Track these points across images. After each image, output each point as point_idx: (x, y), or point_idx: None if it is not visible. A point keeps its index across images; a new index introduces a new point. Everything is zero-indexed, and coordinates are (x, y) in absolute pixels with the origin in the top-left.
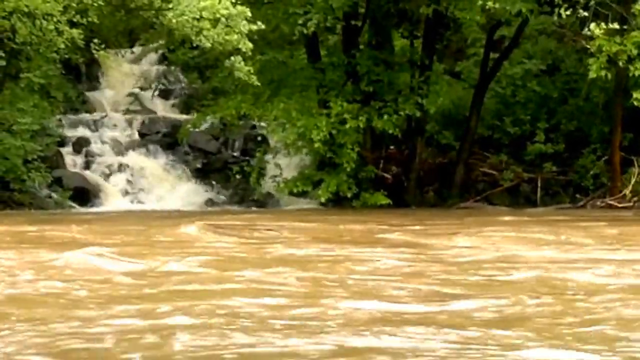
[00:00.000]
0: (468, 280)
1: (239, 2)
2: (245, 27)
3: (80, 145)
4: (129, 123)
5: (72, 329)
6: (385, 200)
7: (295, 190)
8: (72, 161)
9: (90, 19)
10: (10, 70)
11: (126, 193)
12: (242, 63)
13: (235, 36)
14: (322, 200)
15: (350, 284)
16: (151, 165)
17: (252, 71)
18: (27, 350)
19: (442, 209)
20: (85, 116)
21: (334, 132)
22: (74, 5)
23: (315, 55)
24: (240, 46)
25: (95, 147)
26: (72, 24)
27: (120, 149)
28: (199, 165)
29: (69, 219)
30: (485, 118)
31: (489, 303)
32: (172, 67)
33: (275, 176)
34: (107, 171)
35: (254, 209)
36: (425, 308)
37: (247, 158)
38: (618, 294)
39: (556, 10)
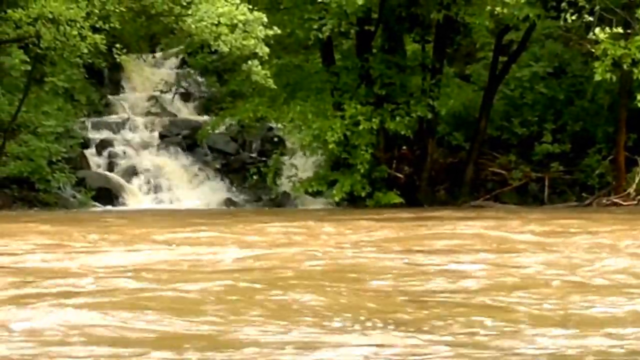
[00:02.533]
0: None
1: (255, 8)
2: (261, 32)
3: (103, 147)
4: (150, 125)
5: None
6: (398, 199)
7: (310, 190)
8: (95, 162)
9: (112, 25)
10: (35, 74)
11: (147, 193)
12: (259, 67)
13: (252, 41)
14: (337, 199)
15: None
16: (172, 166)
17: (268, 75)
18: None
19: (453, 207)
20: (108, 119)
21: (348, 133)
22: (96, 11)
23: (330, 59)
24: (257, 51)
25: (117, 148)
26: (95, 30)
27: (141, 150)
28: (218, 166)
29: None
30: (494, 119)
31: None
32: (192, 71)
33: (292, 176)
34: (129, 172)
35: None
36: None
37: (264, 159)
38: None
39: (562, 15)
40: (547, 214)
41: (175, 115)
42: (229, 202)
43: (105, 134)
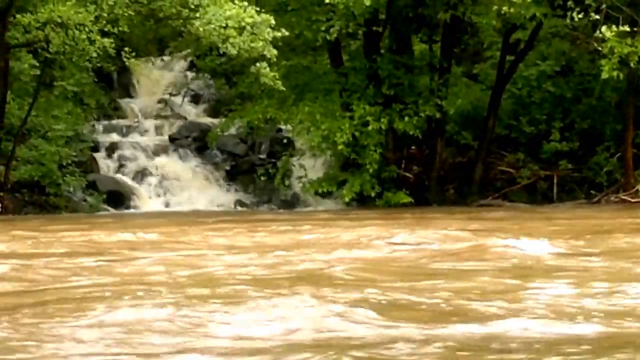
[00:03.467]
0: None
1: (263, 11)
2: (269, 34)
3: (113, 150)
4: (160, 128)
5: None
6: (407, 199)
7: (320, 191)
8: (105, 165)
9: (121, 28)
10: (44, 78)
11: (158, 195)
12: (268, 69)
13: (260, 43)
14: (347, 199)
15: None
16: (182, 168)
17: (277, 76)
18: None
19: (462, 206)
20: (118, 122)
21: (357, 134)
22: (105, 15)
23: (338, 60)
24: (265, 53)
25: (127, 151)
26: (104, 34)
27: (151, 153)
28: (227, 168)
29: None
30: (502, 118)
31: None
32: (201, 74)
33: (301, 177)
34: (140, 175)
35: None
36: None
37: (273, 160)
38: None
39: (569, 13)
40: (467, 213)
41: (185, 118)
42: (239, 203)
43: (115, 137)
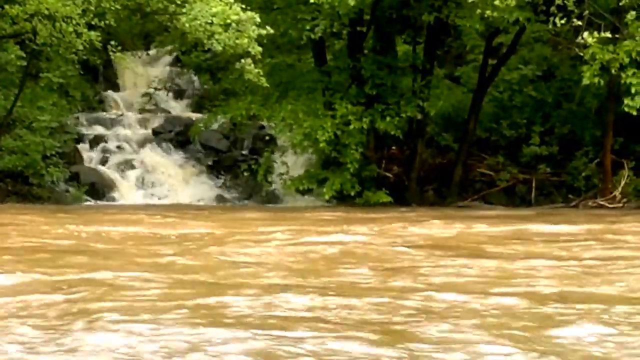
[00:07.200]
0: None
1: (249, 8)
2: (254, 31)
3: (96, 142)
4: (144, 122)
5: None
6: (387, 199)
7: (301, 188)
8: (88, 157)
9: (107, 22)
10: (30, 70)
11: (140, 188)
12: (252, 66)
13: (245, 40)
14: (327, 197)
15: None
16: (164, 162)
17: (261, 73)
18: None
19: (441, 207)
20: (102, 115)
21: (338, 132)
22: (92, 8)
23: (322, 59)
24: (250, 50)
25: (111, 144)
26: (91, 27)
27: (135, 146)
28: (210, 163)
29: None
30: (483, 121)
31: None
32: (185, 69)
33: (282, 174)
34: (122, 167)
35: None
36: None
37: (255, 156)
38: None
39: (551, 19)
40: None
41: (169, 112)
42: (220, 198)
43: (99, 130)
